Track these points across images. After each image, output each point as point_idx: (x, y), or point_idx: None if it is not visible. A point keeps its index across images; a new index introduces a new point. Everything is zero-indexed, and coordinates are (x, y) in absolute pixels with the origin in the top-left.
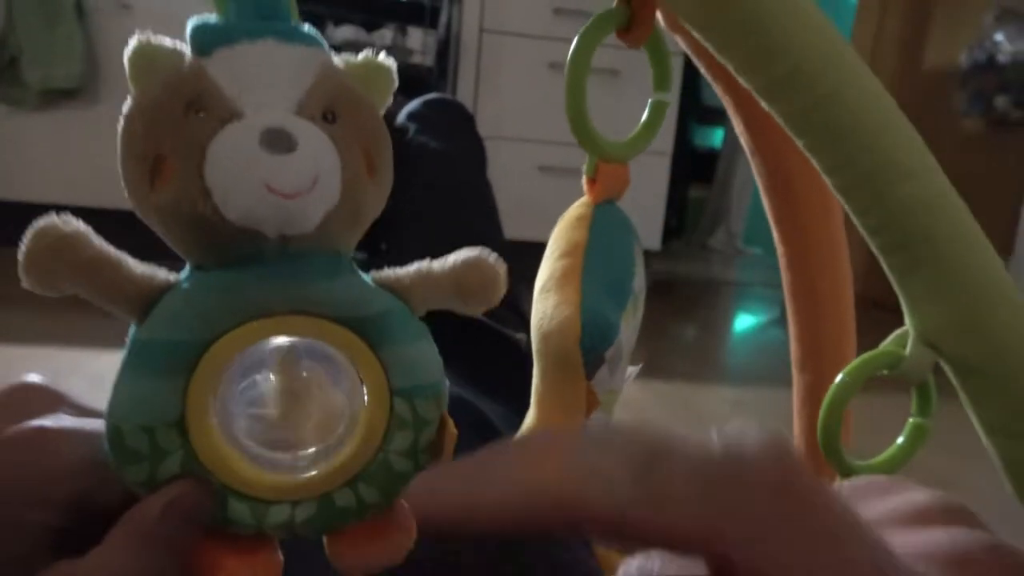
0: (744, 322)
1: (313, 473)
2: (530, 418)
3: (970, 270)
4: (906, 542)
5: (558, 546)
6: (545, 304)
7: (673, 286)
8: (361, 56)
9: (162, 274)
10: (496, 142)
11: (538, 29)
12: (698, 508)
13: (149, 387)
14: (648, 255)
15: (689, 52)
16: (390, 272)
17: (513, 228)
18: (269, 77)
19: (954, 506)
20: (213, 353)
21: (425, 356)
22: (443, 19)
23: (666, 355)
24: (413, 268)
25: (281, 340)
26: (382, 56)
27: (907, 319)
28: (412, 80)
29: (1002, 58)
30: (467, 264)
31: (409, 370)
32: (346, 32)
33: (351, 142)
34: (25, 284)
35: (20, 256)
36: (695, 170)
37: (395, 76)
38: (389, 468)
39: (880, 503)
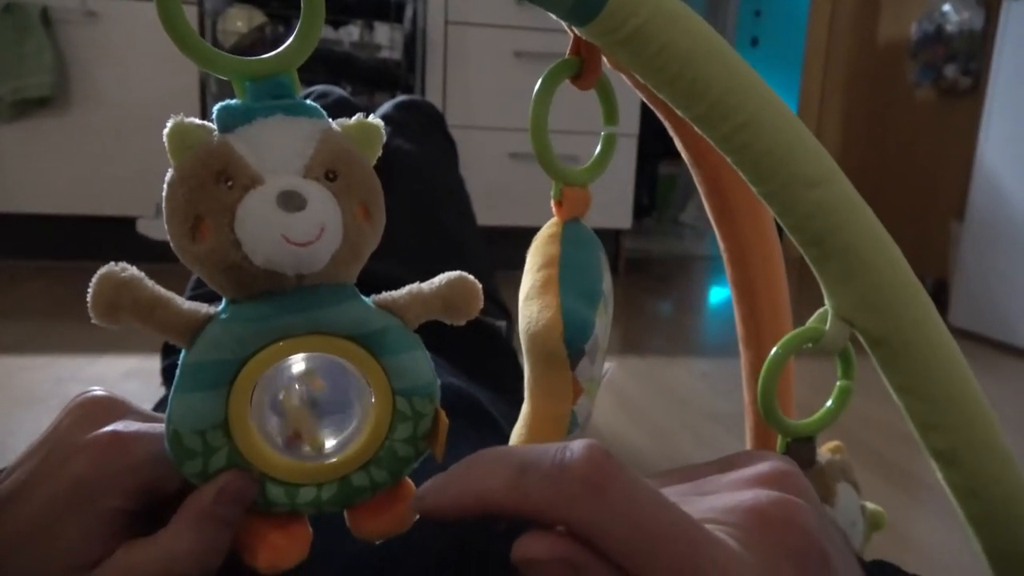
0: (718, 295)
1: (333, 460)
2: (526, 407)
3: (871, 258)
4: (730, 499)
5: None
6: (530, 310)
7: (646, 263)
8: (354, 119)
9: (204, 309)
10: (467, 131)
11: (502, 19)
12: (548, 496)
13: (200, 399)
14: (621, 233)
15: (634, 88)
16: (387, 295)
17: (487, 215)
18: (281, 147)
19: (784, 472)
20: (248, 369)
21: (419, 362)
22: (408, 13)
23: (641, 332)
24: (406, 290)
25: (301, 356)
26: (372, 118)
27: (826, 300)
28: (381, 75)
29: (949, 28)
30: (451, 284)
31: (406, 374)
32: None
33: (349, 195)
34: (94, 319)
35: (89, 297)
36: (665, 148)
37: (384, 132)
38: (394, 453)
39: (739, 471)
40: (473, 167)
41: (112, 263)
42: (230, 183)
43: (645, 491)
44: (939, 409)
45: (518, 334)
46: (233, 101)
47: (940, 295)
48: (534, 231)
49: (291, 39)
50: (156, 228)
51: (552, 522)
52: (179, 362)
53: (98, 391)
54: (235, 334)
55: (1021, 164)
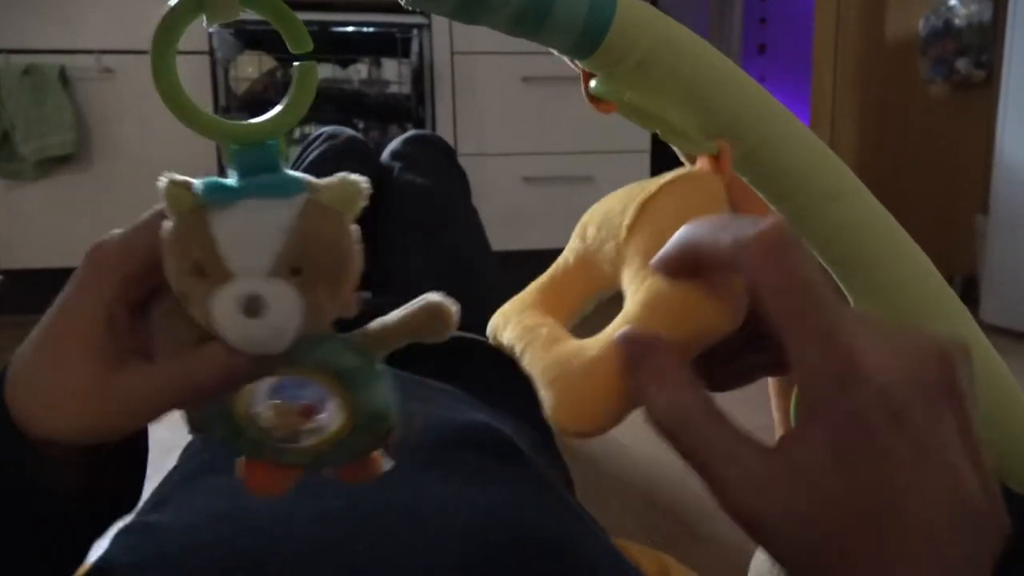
0: None
1: (310, 443)
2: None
3: (897, 274)
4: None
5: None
6: None
7: None
8: (336, 178)
9: None
10: (480, 159)
11: (507, 46)
12: (742, 244)
13: (213, 405)
14: None
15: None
16: (357, 331)
17: (504, 239)
18: (252, 240)
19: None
20: (241, 393)
21: (380, 396)
22: (414, 47)
23: None
24: (376, 323)
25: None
26: (353, 176)
27: None
28: (392, 109)
29: (958, 22)
30: (420, 309)
31: (367, 404)
32: (323, 71)
33: (314, 285)
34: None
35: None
36: (679, 162)
37: (365, 189)
38: (356, 445)
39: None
40: (488, 193)
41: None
42: (205, 273)
43: (810, 263)
44: (988, 422)
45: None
46: (216, 179)
47: (970, 292)
48: (551, 253)
49: (278, 108)
50: None
51: (737, 265)
52: None
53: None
54: None
55: None
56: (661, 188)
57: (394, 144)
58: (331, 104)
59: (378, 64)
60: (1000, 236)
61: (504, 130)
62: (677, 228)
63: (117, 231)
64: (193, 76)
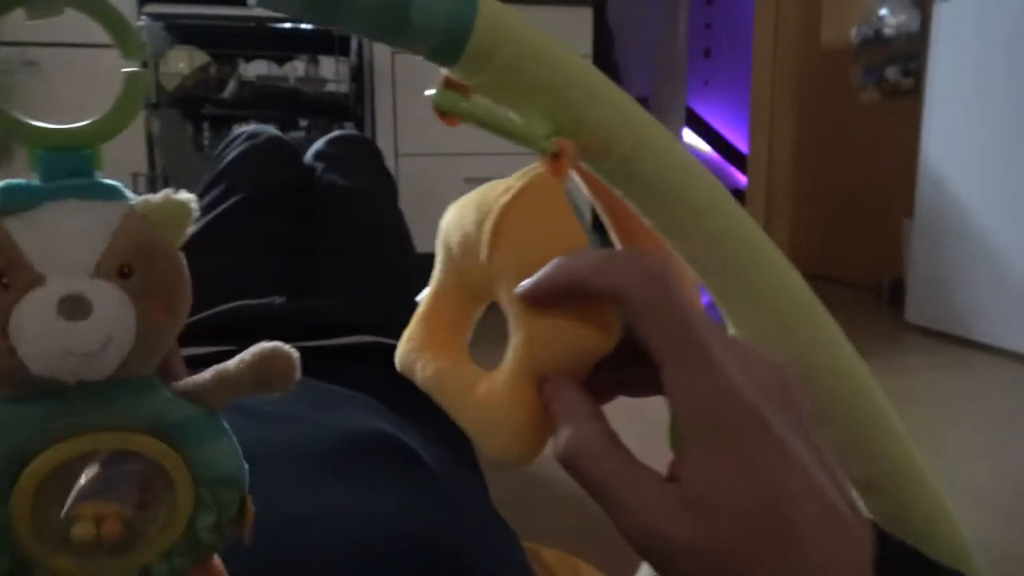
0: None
1: (133, 553)
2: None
3: (766, 287)
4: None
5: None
6: None
7: None
8: (160, 196)
9: None
10: (422, 159)
11: None
12: (624, 274)
13: None
14: None
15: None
16: (190, 381)
17: None
18: (69, 239)
19: None
20: (29, 471)
21: (224, 452)
22: (353, 45)
23: None
24: (210, 373)
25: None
26: (181, 194)
27: (730, 329)
28: (330, 108)
29: (887, 31)
30: (263, 359)
31: (210, 465)
32: (259, 67)
33: (146, 292)
34: None
35: None
36: None
37: (194, 209)
38: (197, 542)
39: None
40: (429, 193)
41: None
42: (5, 282)
43: (688, 294)
44: (858, 440)
45: None
46: (17, 180)
47: (897, 294)
48: None
49: (102, 115)
50: None
51: (620, 298)
52: None
53: None
54: (12, 437)
55: (963, 160)
56: (509, 207)
57: (318, 144)
58: (268, 101)
59: (316, 62)
60: (923, 240)
61: (445, 130)
62: (535, 249)
63: None
64: (120, 70)
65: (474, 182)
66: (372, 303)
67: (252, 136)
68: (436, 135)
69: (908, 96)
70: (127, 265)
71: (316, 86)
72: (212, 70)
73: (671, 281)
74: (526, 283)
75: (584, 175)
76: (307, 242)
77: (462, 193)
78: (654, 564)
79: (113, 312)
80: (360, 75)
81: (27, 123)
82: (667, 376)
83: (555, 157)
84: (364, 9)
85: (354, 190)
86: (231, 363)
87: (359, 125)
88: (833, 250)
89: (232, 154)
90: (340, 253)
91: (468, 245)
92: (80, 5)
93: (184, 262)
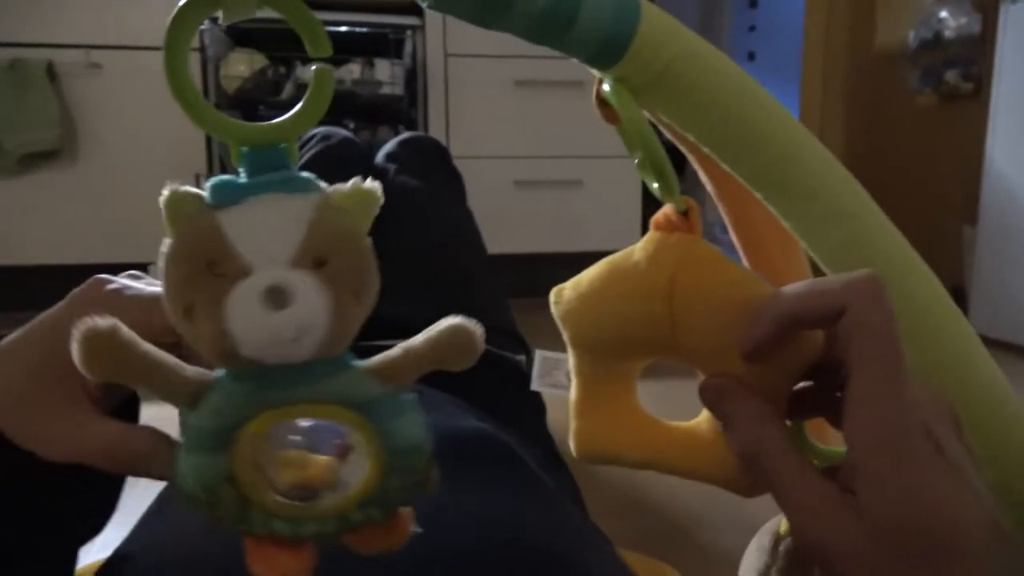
0: None
1: (333, 502)
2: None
3: (906, 292)
4: None
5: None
6: None
7: None
8: (350, 184)
9: (202, 376)
10: (472, 161)
11: (501, 49)
12: (838, 293)
13: (205, 460)
14: None
15: (659, 126)
16: (380, 359)
17: (493, 243)
18: (272, 232)
19: None
20: (248, 430)
21: (410, 426)
22: (407, 48)
23: None
24: (400, 349)
25: (300, 422)
26: (368, 183)
27: None
28: (385, 109)
29: (947, 34)
30: (446, 335)
31: (398, 437)
32: None
33: (339, 280)
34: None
35: (78, 358)
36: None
37: (380, 197)
38: (388, 497)
39: None
40: (478, 196)
41: (93, 319)
42: (219, 272)
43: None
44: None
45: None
46: (226, 177)
47: (958, 302)
48: (540, 257)
49: (294, 110)
50: None
51: (846, 313)
52: (181, 420)
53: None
54: (233, 402)
55: None
56: (677, 281)
57: (388, 146)
58: None
59: (371, 64)
60: (988, 247)
61: (496, 133)
62: (720, 300)
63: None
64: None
65: (523, 184)
66: (437, 306)
67: (326, 137)
68: (487, 138)
69: (967, 100)
70: (322, 255)
71: (371, 88)
72: (269, 73)
73: (890, 298)
74: (746, 342)
75: (710, 175)
76: (379, 243)
77: (512, 197)
78: (818, 563)
79: (311, 302)
80: (413, 78)
81: (232, 121)
82: (861, 386)
83: (684, 215)
84: (533, 14)
85: (426, 191)
86: (417, 339)
87: (411, 127)
88: None
89: (307, 155)
90: (408, 255)
91: (638, 325)
92: (274, 4)
93: (372, 249)
